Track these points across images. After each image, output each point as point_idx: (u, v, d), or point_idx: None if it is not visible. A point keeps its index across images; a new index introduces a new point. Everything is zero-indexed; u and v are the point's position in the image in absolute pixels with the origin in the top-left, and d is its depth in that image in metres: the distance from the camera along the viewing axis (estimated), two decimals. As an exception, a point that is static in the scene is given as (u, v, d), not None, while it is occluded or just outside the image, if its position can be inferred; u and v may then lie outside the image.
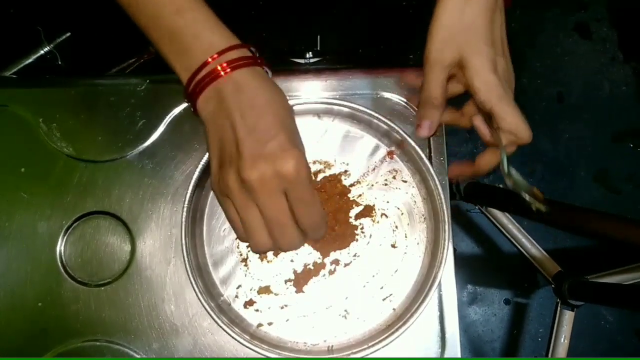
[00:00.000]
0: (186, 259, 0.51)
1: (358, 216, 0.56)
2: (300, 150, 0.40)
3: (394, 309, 0.55)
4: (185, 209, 0.52)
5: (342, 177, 0.57)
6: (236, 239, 0.55)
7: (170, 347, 0.54)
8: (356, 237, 0.56)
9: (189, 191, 0.52)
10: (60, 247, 0.55)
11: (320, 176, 0.57)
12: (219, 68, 0.40)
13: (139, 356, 0.53)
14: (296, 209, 0.40)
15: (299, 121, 0.56)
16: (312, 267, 0.55)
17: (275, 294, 0.55)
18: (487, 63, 0.46)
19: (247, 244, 0.56)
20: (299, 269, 0.55)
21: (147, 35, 0.44)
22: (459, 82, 0.51)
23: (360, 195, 0.57)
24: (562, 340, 1.00)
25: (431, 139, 0.58)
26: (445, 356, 0.54)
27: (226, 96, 0.40)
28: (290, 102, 0.53)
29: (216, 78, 0.40)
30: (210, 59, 0.40)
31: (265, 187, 0.38)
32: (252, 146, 0.38)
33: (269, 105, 0.40)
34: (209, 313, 0.50)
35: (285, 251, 0.44)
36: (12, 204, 0.55)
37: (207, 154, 0.42)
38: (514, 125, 0.48)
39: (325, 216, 0.45)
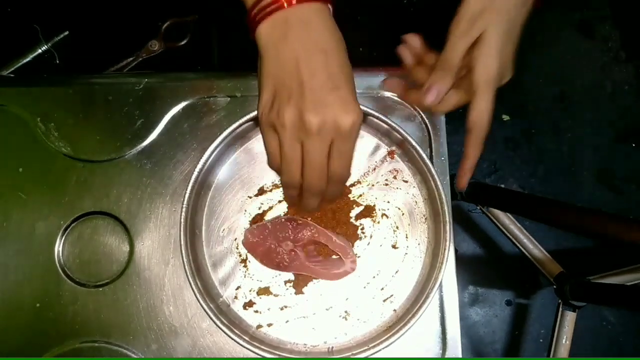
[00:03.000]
0: (185, 259, 0.50)
1: (358, 216, 0.56)
2: (359, 106, 0.41)
3: (394, 310, 0.54)
4: (184, 209, 0.51)
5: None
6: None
7: (169, 348, 0.54)
8: (358, 237, 0.55)
9: (188, 191, 0.51)
10: (58, 247, 0.55)
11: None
12: None
13: (137, 357, 0.53)
14: (334, 158, 0.42)
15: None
16: None
17: (275, 295, 0.54)
18: (498, 47, 0.47)
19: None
20: (300, 271, 0.54)
21: None
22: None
23: (360, 196, 0.56)
24: (563, 341, 1.00)
25: (432, 139, 0.57)
26: (447, 357, 0.54)
27: (293, 29, 0.40)
28: None
29: (282, 7, 0.40)
30: None
31: (320, 133, 0.40)
32: (317, 90, 0.40)
33: (336, 51, 0.41)
34: (208, 314, 0.50)
35: (309, 193, 0.45)
36: (10, 204, 0.55)
37: (258, 80, 0.43)
38: (479, 114, 0.49)
39: (350, 172, 0.47)
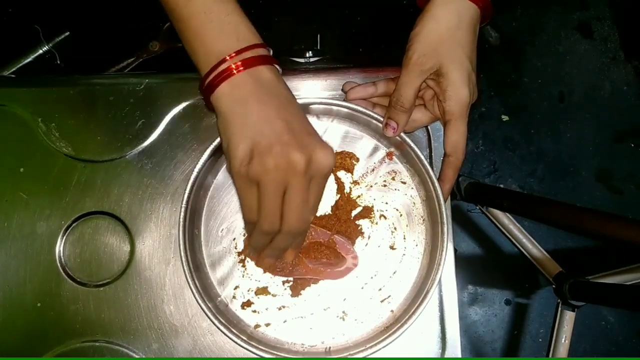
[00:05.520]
0: (183, 259, 0.51)
1: (357, 217, 0.56)
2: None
3: (392, 311, 0.54)
4: (183, 209, 0.51)
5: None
6: (243, 235, 0.55)
7: (169, 347, 0.54)
8: (359, 234, 0.56)
9: (187, 191, 0.51)
10: (59, 247, 0.55)
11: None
12: (234, 65, 0.43)
13: (138, 356, 0.53)
14: (311, 195, 0.44)
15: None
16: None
17: (273, 295, 0.54)
18: (465, 76, 0.49)
19: (243, 251, 0.55)
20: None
21: (173, 22, 0.46)
22: (428, 85, 0.53)
23: (359, 197, 0.56)
24: (562, 341, 1.00)
25: (431, 140, 0.57)
26: (446, 356, 0.54)
27: (255, 87, 0.43)
28: None
29: (236, 72, 0.43)
30: (242, 50, 0.43)
31: (307, 170, 0.42)
32: (297, 135, 0.42)
33: (296, 104, 0.45)
34: (206, 314, 0.50)
35: (287, 235, 0.46)
36: (11, 204, 0.55)
37: (222, 140, 0.45)
38: (455, 143, 0.52)
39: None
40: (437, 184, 0.53)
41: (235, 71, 0.43)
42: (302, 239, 0.51)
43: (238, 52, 0.43)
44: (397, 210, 0.56)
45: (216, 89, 0.43)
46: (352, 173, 0.56)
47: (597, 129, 1.26)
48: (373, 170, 0.57)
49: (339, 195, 0.56)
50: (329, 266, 0.54)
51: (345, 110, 0.55)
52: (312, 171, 0.42)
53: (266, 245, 0.48)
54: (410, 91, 0.50)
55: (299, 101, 0.53)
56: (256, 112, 0.42)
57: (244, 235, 0.55)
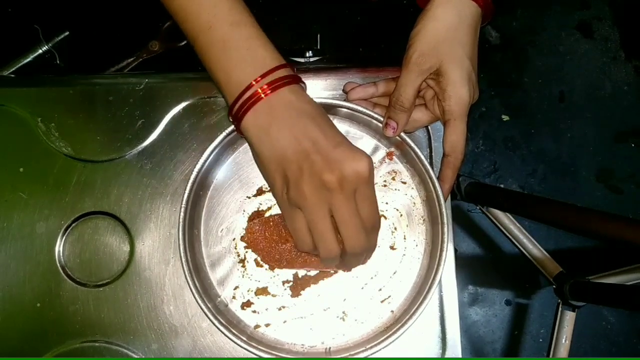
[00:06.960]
0: (183, 259, 0.51)
1: (357, 217, 0.56)
2: (364, 151, 0.43)
3: (392, 311, 0.54)
4: (182, 209, 0.51)
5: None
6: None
7: (169, 347, 0.54)
8: None
9: (187, 191, 0.51)
10: (58, 247, 0.55)
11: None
12: (257, 93, 0.43)
13: (137, 357, 0.53)
14: (362, 207, 0.43)
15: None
16: (312, 274, 0.55)
17: (273, 295, 0.54)
18: (464, 76, 0.49)
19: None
20: (300, 273, 0.55)
21: (196, 47, 0.46)
22: (428, 85, 0.53)
23: (359, 196, 0.56)
24: (563, 341, 1.00)
25: (432, 140, 0.57)
26: (446, 356, 0.54)
27: (278, 112, 0.43)
28: None
29: (260, 98, 0.43)
30: (259, 78, 0.43)
31: (343, 187, 0.41)
32: (324, 153, 0.42)
33: (323, 117, 0.44)
34: (205, 314, 0.50)
35: (353, 255, 0.45)
36: (11, 204, 0.55)
37: (259, 170, 0.46)
38: (455, 143, 0.52)
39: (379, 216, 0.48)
40: (437, 184, 0.52)
41: (256, 99, 0.43)
42: (375, 243, 0.49)
43: (257, 80, 0.43)
44: (397, 210, 0.56)
45: (242, 120, 0.44)
46: None
47: (598, 128, 1.26)
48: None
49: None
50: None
51: (345, 110, 0.54)
52: (349, 185, 0.41)
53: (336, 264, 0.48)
54: (410, 91, 0.50)
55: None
56: (280, 139, 0.42)
57: (244, 235, 0.55)
